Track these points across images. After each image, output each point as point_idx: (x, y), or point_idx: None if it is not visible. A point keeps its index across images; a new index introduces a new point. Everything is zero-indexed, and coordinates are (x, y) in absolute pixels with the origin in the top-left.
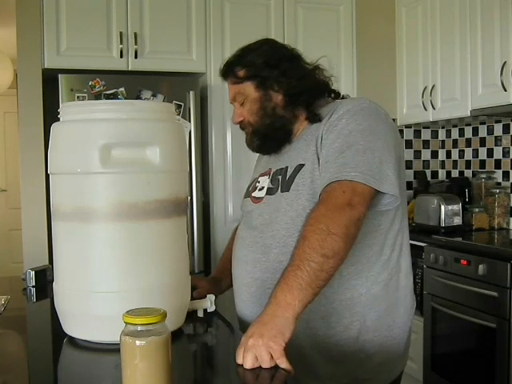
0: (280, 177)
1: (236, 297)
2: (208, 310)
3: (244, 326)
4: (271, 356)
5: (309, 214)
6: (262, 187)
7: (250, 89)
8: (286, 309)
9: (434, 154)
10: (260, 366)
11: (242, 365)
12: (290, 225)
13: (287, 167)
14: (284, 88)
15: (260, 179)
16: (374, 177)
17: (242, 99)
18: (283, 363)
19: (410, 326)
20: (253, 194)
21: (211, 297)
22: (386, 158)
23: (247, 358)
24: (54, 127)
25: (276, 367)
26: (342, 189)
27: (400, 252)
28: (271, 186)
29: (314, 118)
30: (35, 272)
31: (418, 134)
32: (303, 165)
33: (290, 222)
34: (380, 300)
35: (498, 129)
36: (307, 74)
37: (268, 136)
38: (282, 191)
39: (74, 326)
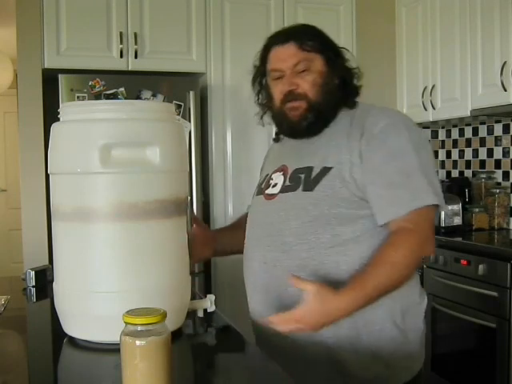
0: (303, 175)
1: (251, 298)
2: (208, 310)
3: (259, 328)
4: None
5: (398, 239)
6: (276, 184)
7: (318, 61)
8: (346, 312)
9: (434, 154)
10: None
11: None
12: (313, 223)
13: (312, 167)
14: (342, 72)
15: (273, 176)
16: (440, 195)
17: (303, 68)
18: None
19: (424, 317)
20: (266, 192)
21: (211, 297)
22: (434, 171)
23: (289, 328)
24: (54, 127)
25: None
26: (423, 218)
27: None
28: (289, 183)
29: (352, 104)
30: (35, 272)
31: None
32: (330, 168)
33: (314, 220)
34: (402, 294)
35: (498, 129)
36: (353, 68)
37: (322, 114)
38: (304, 190)
39: (74, 326)
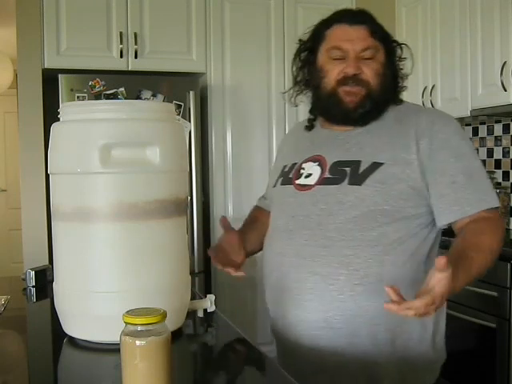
0: (348, 169)
1: (276, 296)
2: (208, 310)
3: (282, 327)
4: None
5: (485, 228)
6: (309, 174)
7: (382, 52)
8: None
9: None
10: None
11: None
12: (359, 219)
13: (360, 161)
14: (395, 68)
15: (305, 165)
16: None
17: (371, 55)
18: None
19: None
20: (297, 182)
21: (211, 297)
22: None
23: (424, 312)
24: (54, 127)
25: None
26: (496, 218)
27: None
28: (330, 175)
29: (398, 100)
30: (35, 272)
31: None
32: (381, 164)
33: (361, 216)
34: None
35: (498, 129)
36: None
37: (378, 105)
38: (350, 183)
39: (74, 326)
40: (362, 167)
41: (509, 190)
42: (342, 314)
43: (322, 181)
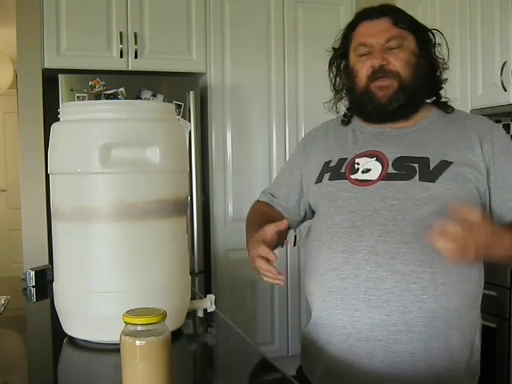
0: (416, 165)
1: (341, 298)
2: (208, 310)
3: (348, 335)
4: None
5: None
6: (368, 169)
7: (411, 41)
8: (498, 253)
9: None
10: None
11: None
12: (436, 216)
13: (428, 158)
14: (434, 62)
15: (359, 161)
16: None
17: (396, 44)
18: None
19: None
20: (353, 176)
21: (211, 297)
22: None
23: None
24: (54, 127)
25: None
26: None
27: None
28: (395, 171)
29: (447, 107)
30: (35, 272)
31: None
32: (450, 162)
33: (436, 213)
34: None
35: None
36: (439, 59)
37: (413, 98)
38: (421, 180)
39: (74, 326)
40: (432, 164)
41: None
42: (424, 316)
43: (387, 176)
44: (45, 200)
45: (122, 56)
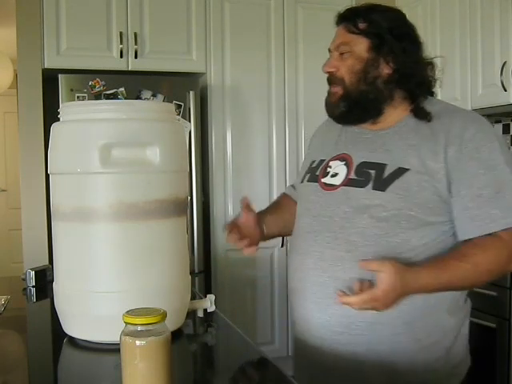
0: (373, 172)
1: (299, 298)
2: (208, 310)
3: (304, 330)
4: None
5: (489, 245)
6: (336, 174)
7: (361, 46)
8: (420, 293)
9: None
10: None
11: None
12: (384, 224)
13: (385, 165)
14: (397, 64)
15: (331, 164)
16: None
17: (345, 50)
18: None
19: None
20: (323, 180)
21: (211, 297)
22: None
23: (364, 308)
24: (54, 127)
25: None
26: None
27: None
28: (355, 177)
29: (425, 115)
30: (35, 272)
31: None
32: (407, 170)
33: (385, 222)
34: (456, 302)
35: (498, 129)
36: (424, 63)
37: (357, 104)
38: (374, 188)
39: (74, 326)
40: (387, 171)
41: None
42: (362, 321)
43: (348, 182)
44: (45, 200)
45: (122, 56)
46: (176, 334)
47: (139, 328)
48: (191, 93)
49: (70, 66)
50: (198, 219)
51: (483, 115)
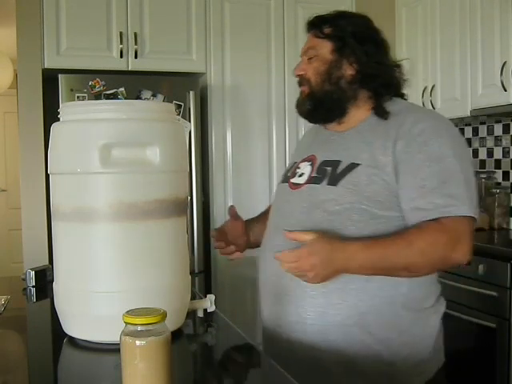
0: (330, 169)
1: (261, 290)
2: (208, 310)
3: (266, 320)
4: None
5: (426, 227)
6: (302, 173)
7: (326, 49)
8: (347, 263)
9: None
10: None
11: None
12: (336, 218)
13: (340, 161)
14: (359, 64)
15: (300, 165)
16: (477, 208)
17: (312, 54)
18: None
19: (440, 321)
20: (292, 180)
21: (211, 297)
22: (474, 182)
23: (291, 267)
24: (54, 127)
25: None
26: (457, 225)
27: None
28: (316, 174)
29: (383, 114)
30: (35, 272)
31: None
32: (358, 164)
33: (337, 215)
34: (418, 300)
35: (498, 129)
36: (387, 64)
37: (322, 104)
38: (328, 184)
39: (74, 326)
40: (341, 167)
41: (509, 190)
42: (314, 310)
43: (310, 180)
44: (45, 200)
45: (122, 56)
46: (176, 334)
47: (139, 328)
48: (191, 93)
49: (70, 66)
50: (198, 219)
51: (483, 115)
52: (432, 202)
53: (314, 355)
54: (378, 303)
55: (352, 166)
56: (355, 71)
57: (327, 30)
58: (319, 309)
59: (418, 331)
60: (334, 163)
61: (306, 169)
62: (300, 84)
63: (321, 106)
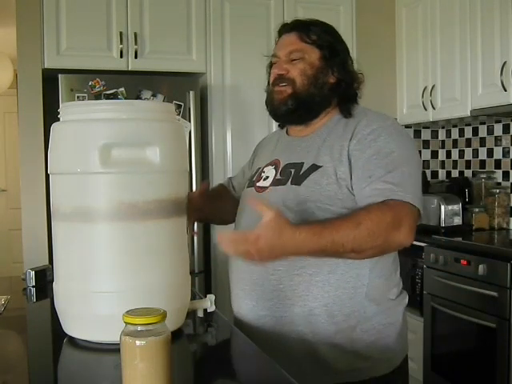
0: (293, 170)
1: (234, 288)
2: (208, 310)
3: (241, 316)
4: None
5: (372, 208)
6: (267, 177)
7: (314, 55)
8: (297, 250)
9: (434, 154)
10: None
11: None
12: (298, 215)
13: (303, 163)
14: (340, 74)
15: (265, 169)
16: (421, 200)
17: (297, 57)
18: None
19: (403, 312)
20: (258, 184)
21: (211, 297)
22: (419, 181)
23: (238, 251)
24: (54, 127)
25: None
26: (401, 208)
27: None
28: (280, 177)
29: (347, 113)
30: (35, 272)
31: (418, 133)
32: (320, 166)
33: (300, 213)
34: (380, 291)
35: (498, 129)
36: (356, 73)
37: (304, 105)
38: (292, 184)
39: (74, 326)
40: (304, 168)
41: (509, 190)
42: (282, 303)
43: (275, 182)
44: (45, 200)
45: (121, 56)
46: (176, 334)
47: (139, 328)
48: (191, 93)
49: (70, 66)
50: None
51: (483, 115)
52: (377, 188)
53: (284, 347)
54: (342, 294)
55: (314, 167)
56: (336, 80)
57: (314, 36)
58: (288, 301)
59: (382, 320)
60: (297, 165)
61: (270, 172)
62: (276, 83)
63: (302, 106)
